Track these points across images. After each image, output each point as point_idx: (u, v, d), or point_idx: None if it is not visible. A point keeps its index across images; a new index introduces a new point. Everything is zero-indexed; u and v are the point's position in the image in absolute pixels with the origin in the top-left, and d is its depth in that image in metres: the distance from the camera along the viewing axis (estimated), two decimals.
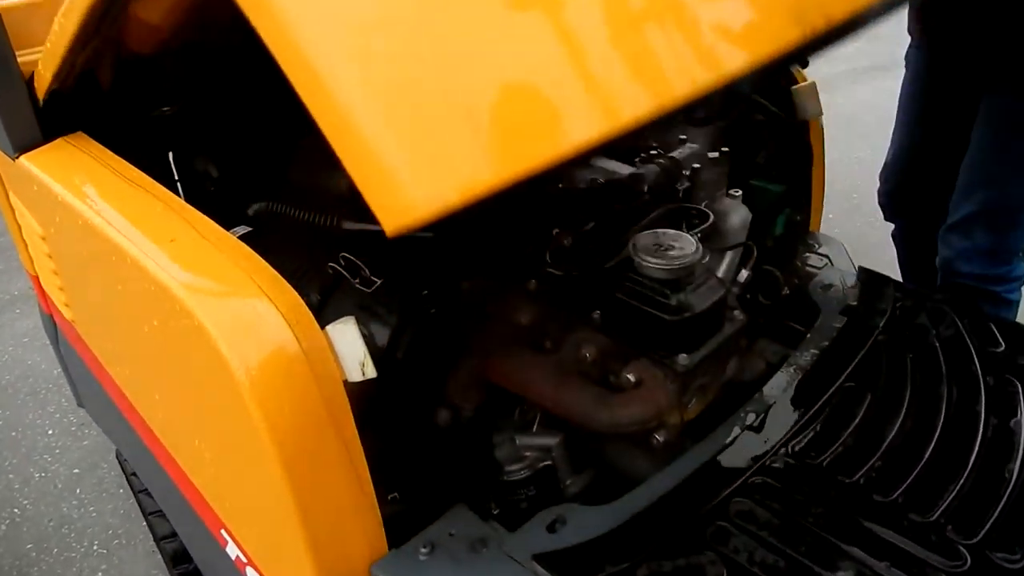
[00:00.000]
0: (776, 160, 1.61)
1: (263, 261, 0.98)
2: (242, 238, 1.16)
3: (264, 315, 0.91)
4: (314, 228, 1.27)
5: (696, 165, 1.37)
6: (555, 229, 1.22)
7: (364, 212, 1.31)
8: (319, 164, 1.68)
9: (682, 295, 1.13)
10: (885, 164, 2.02)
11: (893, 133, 1.99)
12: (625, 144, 1.41)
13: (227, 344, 0.89)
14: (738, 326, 1.22)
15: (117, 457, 2.18)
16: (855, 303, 1.45)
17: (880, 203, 2.07)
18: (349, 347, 0.91)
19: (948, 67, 1.79)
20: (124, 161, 1.23)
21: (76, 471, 2.39)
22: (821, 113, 1.60)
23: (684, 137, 1.48)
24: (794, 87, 1.61)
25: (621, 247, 1.21)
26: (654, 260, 1.13)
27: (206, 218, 1.06)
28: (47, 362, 2.81)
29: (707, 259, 1.21)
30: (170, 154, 1.57)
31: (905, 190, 1.99)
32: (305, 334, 0.90)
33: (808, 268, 1.63)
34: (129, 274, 1.02)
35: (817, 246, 1.69)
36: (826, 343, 1.35)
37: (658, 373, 1.14)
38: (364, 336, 0.98)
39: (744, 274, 1.28)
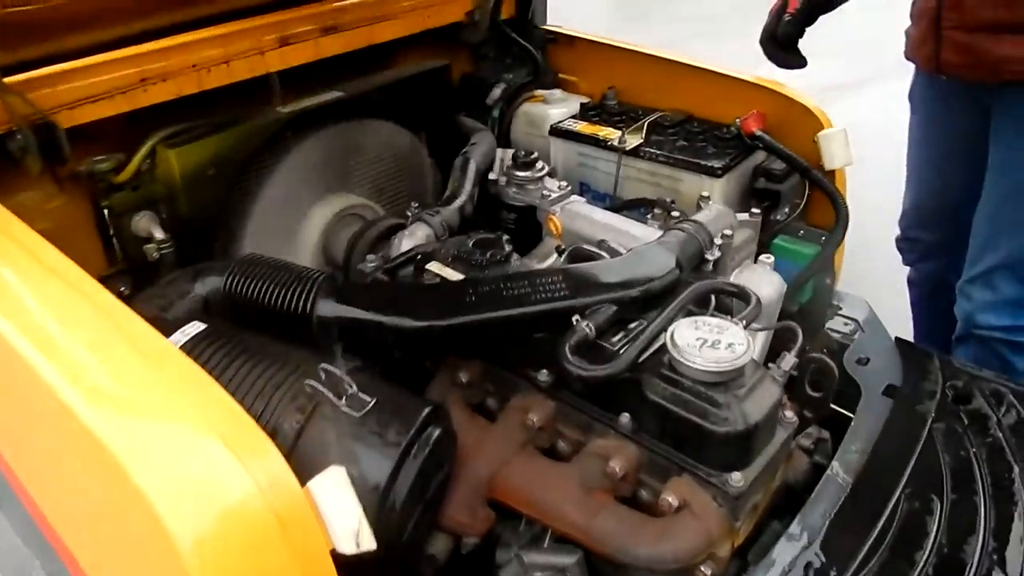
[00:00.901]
0: (803, 216, 1.44)
1: (218, 388, 0.76)
2: (192, 343, 0.93)
3: (221, 468, 0.69)
4: (283, 316, 1.05)
5: (727, 231, 1.19)
6: (575, 317, 1.02)
7: (344, 294, 1.10)
8: (279, 231, 1.45)
9: (733, 401, 0.94)
10: (904, 212, 1.90)
11: (908, 177, 1.87)
12: None
13: (169, 509, 0.67)
14: (791, 430, 1.04)
15: None
16: (899, 383, 1.29)
17: (899, 247, 1.95)
18: (339, 511, 0.69)
19: (967, 105, 1.66)
20: (40, 237, 0.98)
21: None
22: (851, 162, 1.45)
23: (707, 195, 1.30)
24: (821, 133, 1.45)
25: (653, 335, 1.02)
26: (700, 360, 0.94)
27: (143, 323, 0.82)
28: None
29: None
30: (105, 211, 1.32)
31: (929, 236, 1.87)
32: (280, 494, 0.69)
33: (835, 334, 1.47)
34: (42, 402, 0.79)
35: (839, 307, 1.53)
36: (875, 434, 1.19)
37: (706, 497, 0.95)
38: (354, 479, 0.76)
39: (791, 361, 1.10)
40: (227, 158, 1.31)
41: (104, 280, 1.36)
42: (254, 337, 0.96)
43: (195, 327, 0.93)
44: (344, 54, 1.52)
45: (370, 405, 0.83)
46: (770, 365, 1.10)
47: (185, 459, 0.71)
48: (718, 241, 1.18)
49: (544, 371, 1.12)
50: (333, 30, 1.45)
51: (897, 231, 1.97)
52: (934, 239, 1.85)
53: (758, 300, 1.06)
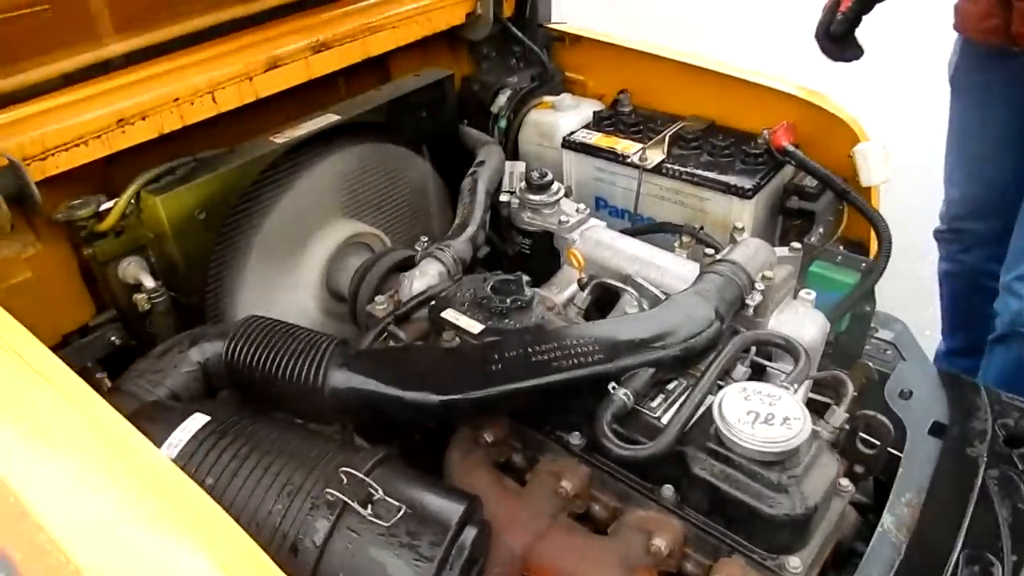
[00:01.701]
0: (838, 237, 1.35)
1: (227, 518, 0.66)
2: (195, 443, 0.84)
3: None
4: (292, 388, 0.95)
5: (767, 272, 1.09)
6: (612, 384, 0.94)
7: (357, 363, 1.00)
8: (279, 265, 1.33)
9: (791, 482, 0.86)
10: (949, 203, 1.82)
11: (952, 167, 1.78)
12: None
13: None
14: (848, 498, 0.96)
15: None
16: (945, 420, 1.22)
17: (941, 239, 1.89)
18: None
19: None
20: (13, 320, 0.87)
21: None
22: (889, 178, 1.35)
23: (740, 225, 1.20)
24: (857, 147, 1.35)
25: (697, 403, 0.93)
26: (754, 440, 0.85)
27: (135, 432, 0.72)
28: None
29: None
30: (88, 251, 1.20)
31: (978, 227, 1.79)
32: None
33: (872, 363, 1.39)
34: (19, 529, 0.69)
35: (875, 328, 1.45)
36: (926, 483, 1.12)
37: None
38: None
39: (841, 417, 1.02)
40: (219, 199, 1.20)
41: (92, 328, 1.27)
42: (264, 425, 0.86)
43: (197, 421, 0.84)
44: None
45: (399, 514, 0.75)
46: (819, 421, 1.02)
47: None
48: (759, 286, 1.08)
49: (576, 433, 1.03)
50: (325, 47, 1.33)
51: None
52: (983, 229, 1.78)
53: (807, 357, 0.98)
